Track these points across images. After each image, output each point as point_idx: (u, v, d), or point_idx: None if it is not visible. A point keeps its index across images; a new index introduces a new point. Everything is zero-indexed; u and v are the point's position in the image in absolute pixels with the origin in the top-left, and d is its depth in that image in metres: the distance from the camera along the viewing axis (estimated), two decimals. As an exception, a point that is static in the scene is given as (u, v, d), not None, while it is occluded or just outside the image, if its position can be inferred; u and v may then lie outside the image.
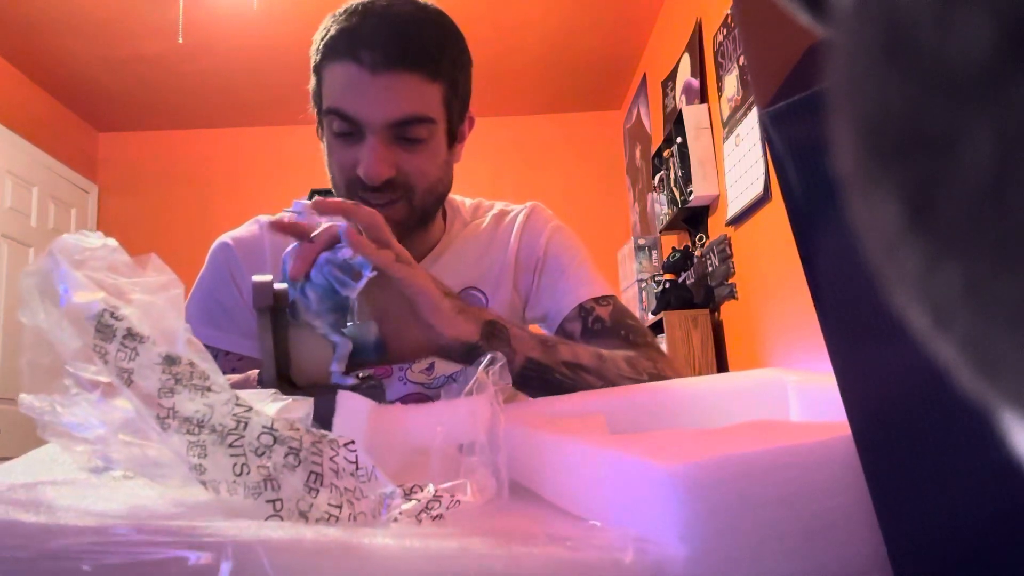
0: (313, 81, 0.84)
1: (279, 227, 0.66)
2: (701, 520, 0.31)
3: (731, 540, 0.31)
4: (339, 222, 0.65)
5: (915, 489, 0.27)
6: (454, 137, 0.87)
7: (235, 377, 0.73)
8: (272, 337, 0.58)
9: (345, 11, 0.81)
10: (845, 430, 0.30)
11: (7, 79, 4.05)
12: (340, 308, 0.62)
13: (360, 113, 0.78)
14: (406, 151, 0.81)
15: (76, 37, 3.84)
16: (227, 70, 4.20)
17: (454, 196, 1.02)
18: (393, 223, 0.82)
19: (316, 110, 0.86)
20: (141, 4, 3.59)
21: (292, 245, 0.65)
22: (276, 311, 0.59)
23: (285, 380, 0.60)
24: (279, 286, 0.60)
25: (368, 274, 0.60)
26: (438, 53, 0.80)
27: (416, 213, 0.85)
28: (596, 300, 0.92)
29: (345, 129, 0.80)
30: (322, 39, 0.81)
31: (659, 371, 0.82)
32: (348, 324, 0.63)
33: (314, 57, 0.83)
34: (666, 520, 0.31)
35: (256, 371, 0.70)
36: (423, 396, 0.91)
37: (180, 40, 3.51)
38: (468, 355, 0.68)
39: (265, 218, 0.99)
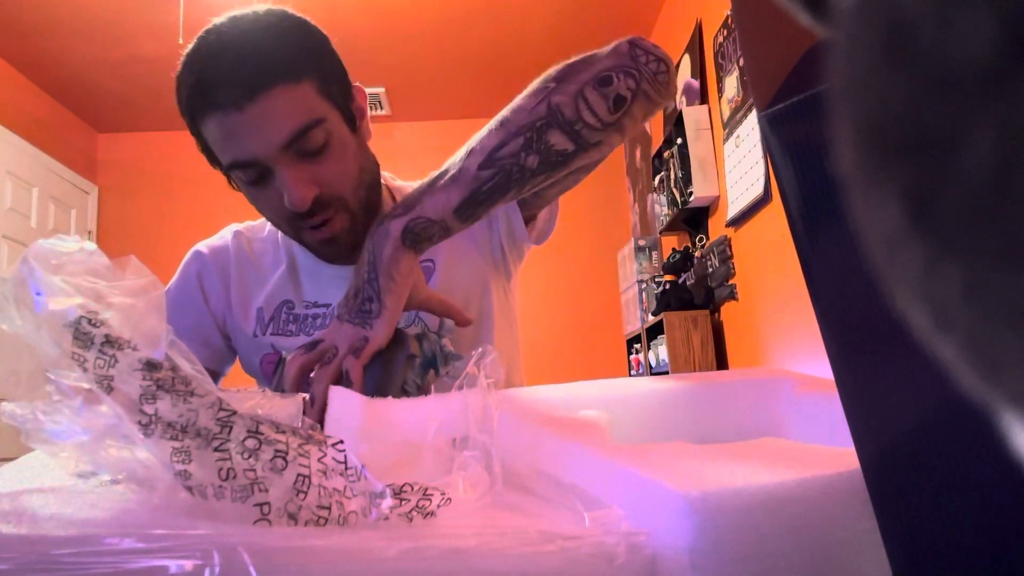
0: (198, 143, 0.82)
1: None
2: (713, 547, 0.31)
3: (742, 568, 0.31)
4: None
5: (924, 521, 0.27)
6: (352, 120, 0.83)
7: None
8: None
9: (186, 65, 0.77)
10: (857, 461, 0.30)
11: (7, 80, 4.05)
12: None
13: (252, 152, 0.75)
14: (317, 163, 0.78)
15: (76, 38, 3.84)
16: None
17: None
18: (344, 234, 0.83)
19: (217, 167, 0.83)
20: (141, 5, 3.59)
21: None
22: None
23: None
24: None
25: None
26: (288, 55, 0.76)
27: (358, 214, 0.84)
28: None
29: (253, 176, 0.78)
30: (181, 103, 0.78)
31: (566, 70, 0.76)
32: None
33: (187, 123, 0.80)
34: (678, 545, 0.31)
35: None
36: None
37: (180, 41, 3.51)
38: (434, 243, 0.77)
39: (236, 227, 1.02)
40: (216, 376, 0.99)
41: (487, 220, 0.96)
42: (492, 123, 0.76)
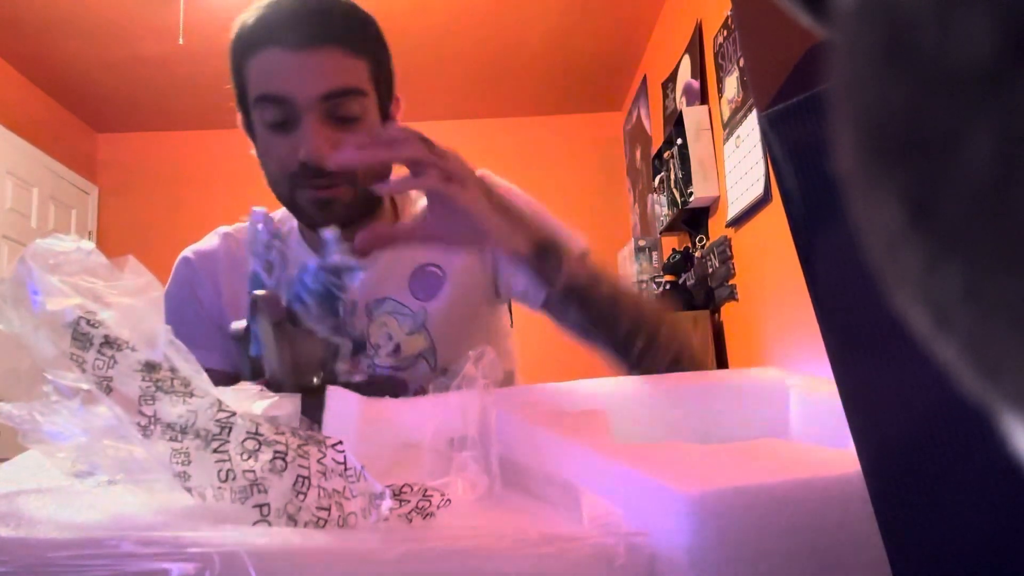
0: (234, 81, 0.85)
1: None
2: (712, 546, 0.31)
3: (741, 569, 0.31)
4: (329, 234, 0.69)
5: (924, 522, 0.26)
6: (386, 115, 0.87)
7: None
8: (287, 346, 0.60)
9: (257, 6, 0.81)
10: (857, 462, 0.30)
11: (7, 81, 4.05)
12: (335, 311, 0.63)
13: (290, 91, 0.78)
14: (342, 131, 0.80)
15: (76, 38, 3.84)
16: (227, 72, 4.19)
17: None
18: (341, 205, 0.83)
19: (241, 109, 0.86)
20: (141, 6, 3.59)
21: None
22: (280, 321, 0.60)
23: (297, 384, 0.62)
24: (260, 292, 0.62)
25: (359, 275, 0.62)
26: (358, 29, 0.82)
27: (360, 194, 0.84)
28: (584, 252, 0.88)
29: (278, 116, 0.79)
30: (239, 35, 0.82)
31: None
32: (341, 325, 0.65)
33: (234, 56, 0.83)
34: (677, 545, 0.31)
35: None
36: (399, 379, 0.92)
37: (180, 41, 3.51)
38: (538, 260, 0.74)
39: (224, 229, 1.02)
40: (235, 377, 0.99)
41: (491, 262, 0.96)
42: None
